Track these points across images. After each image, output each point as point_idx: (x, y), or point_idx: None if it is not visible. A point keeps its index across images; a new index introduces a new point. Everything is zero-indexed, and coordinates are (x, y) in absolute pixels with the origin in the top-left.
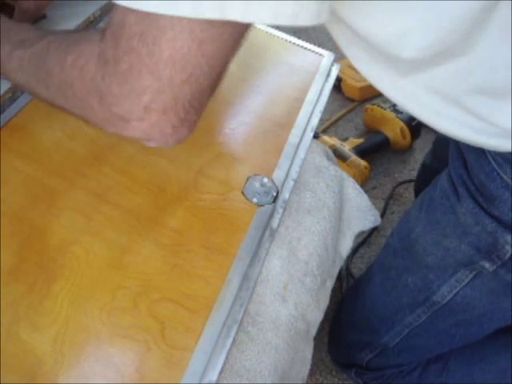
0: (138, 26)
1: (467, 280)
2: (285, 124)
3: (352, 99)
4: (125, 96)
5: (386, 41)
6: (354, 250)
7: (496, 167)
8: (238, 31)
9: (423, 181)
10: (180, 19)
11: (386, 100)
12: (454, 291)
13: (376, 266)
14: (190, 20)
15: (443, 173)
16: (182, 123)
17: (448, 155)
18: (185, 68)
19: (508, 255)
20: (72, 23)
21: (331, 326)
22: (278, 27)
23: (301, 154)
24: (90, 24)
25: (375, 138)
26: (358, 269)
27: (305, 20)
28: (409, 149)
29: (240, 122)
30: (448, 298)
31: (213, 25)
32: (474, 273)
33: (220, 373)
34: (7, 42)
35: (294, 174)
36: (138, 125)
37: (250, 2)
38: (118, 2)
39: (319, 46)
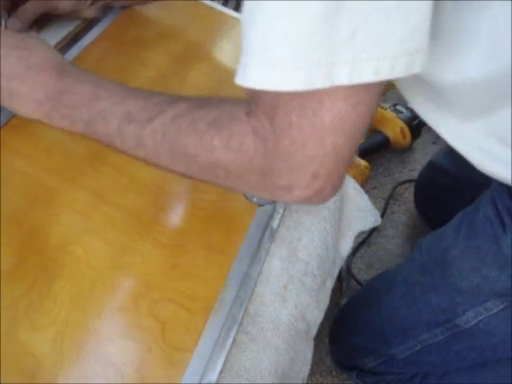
0: (294, 102)
1: (496, 310)
2: None
3: None
4: (291, 169)
5: (446, 87)
6: (354, 250)
7: None
8: (380, 85)
9: (429, 179)
10: (337, 88)
11: (386, 100)
12: (479, 318)
13: (398, 278)
14: (345, 87)
15: (485, 197)
16: (341, 180)
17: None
18: (344, 130)
19: None
20: (72, 23)
21: (334, 326)
22: None
23: None
24: (90, 24)
25: (375, 137)
26: (358, 269)
27: (400, 72)
28: (409, 149)
29: None
30: (471, 323)
31: (364, 86)
32: (505, 304)
33: (220, 373)
34: (112, 116)
35: None
36: (302, 192)
37: (353, 66)
38: (268, 89)
39: None
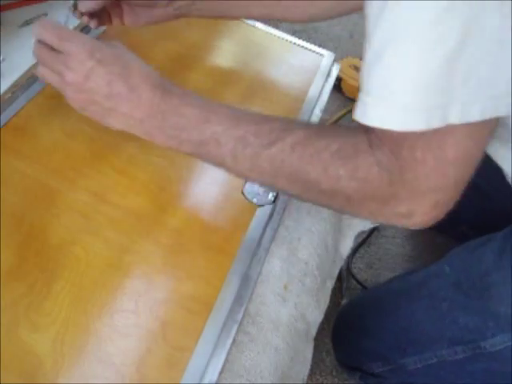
0: (419, 139)
1: None
2: None
3: (352, 99)
4: (413, 199)
5: None
6: (354, 250)
7: None
8: (496, 120)
9: None
10: (461, 126)
11: None
12: (507, 344)
13: (424, 290)
14: (467, 125)
15: None
16: (454, 203)
17: (491, 172)
18: (465, 163)
19: None
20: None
21: (339, 324)
22: (277, 27)
23: None
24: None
25: None
26: (358, 269)
27: (503, 112)
28: None
29: None
30: (497, 348)
31: (484, 123)
32: None
33: (220, 373)
34: (226, 140)
35: None
36: (421, 219)
37: (464, 108)
38: (389, 129)
39: (319, 46)
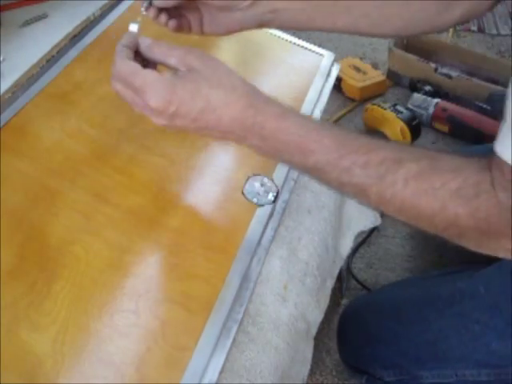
0: None
1: None
2: None
3: (352, 99)
4: None
5: None
6: (354, 250)
7: None
8: None
9: None
10: None
11: (387, 100)
12: None
13: (456, 308)
14: None
15: None
16: None
17: None
18: None
19: None
20: (72, 23)
21: (345, 326)
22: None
23: None
24: (90, 24)
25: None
26: (358, 269)
27: None
28: None
29: None
30: None
31: None
32: None
33: (220, 373)
34: (330, 169)
35: (294, 173)
36: None
37: None
38: None
39: (319, 46)
